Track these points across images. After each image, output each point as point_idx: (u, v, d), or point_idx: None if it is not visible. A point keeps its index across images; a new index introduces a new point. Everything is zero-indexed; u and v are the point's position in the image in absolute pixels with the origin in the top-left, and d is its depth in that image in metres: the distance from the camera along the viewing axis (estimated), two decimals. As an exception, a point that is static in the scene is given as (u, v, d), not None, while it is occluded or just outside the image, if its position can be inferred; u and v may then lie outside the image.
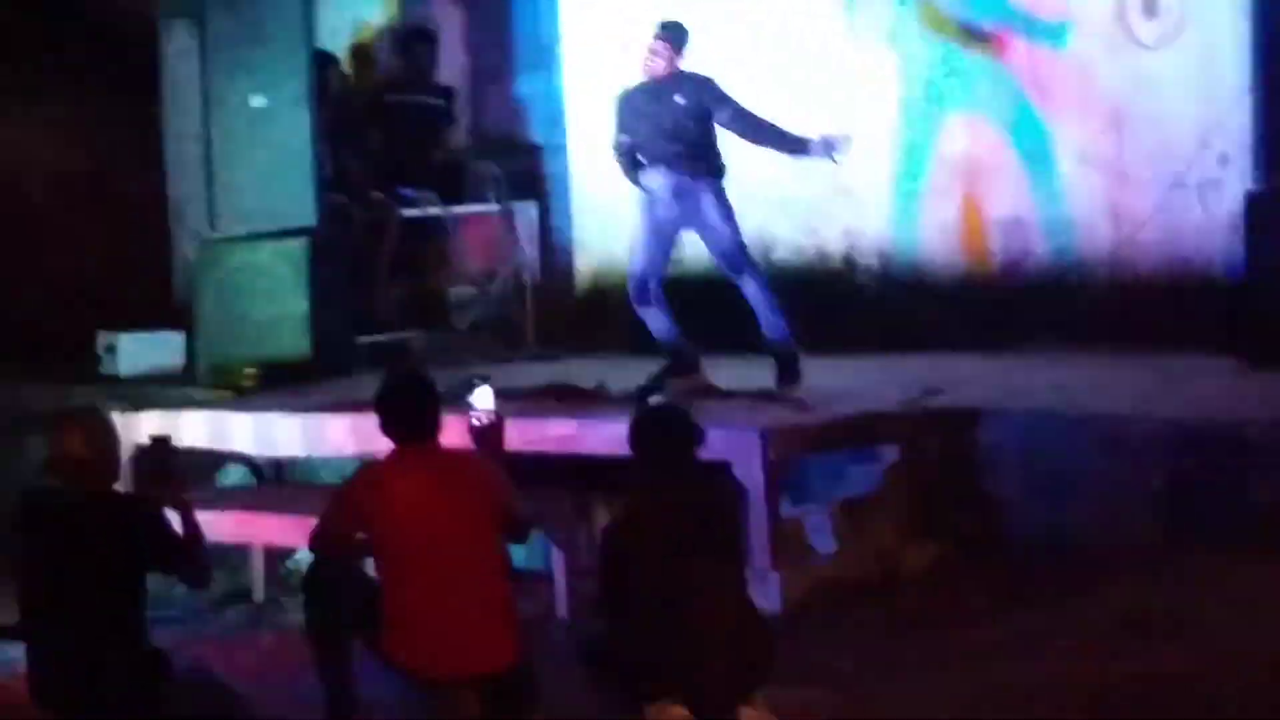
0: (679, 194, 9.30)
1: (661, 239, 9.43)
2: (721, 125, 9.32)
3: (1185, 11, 10.18)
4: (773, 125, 9.34)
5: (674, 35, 9.46)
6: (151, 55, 13.26)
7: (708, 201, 9.28)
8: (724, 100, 9.32)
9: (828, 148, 9.25)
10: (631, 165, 9.44)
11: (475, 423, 7.13)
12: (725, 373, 9.42)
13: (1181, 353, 9.67)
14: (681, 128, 9.30)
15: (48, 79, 13.26)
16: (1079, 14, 10.45)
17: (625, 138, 9.45)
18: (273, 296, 10.78)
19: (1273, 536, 7.68)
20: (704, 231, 9.38)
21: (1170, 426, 8.24)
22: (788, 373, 9.26)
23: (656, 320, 9.45)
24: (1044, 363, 9.86)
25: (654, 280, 9.43)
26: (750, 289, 9.30)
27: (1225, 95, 9.97)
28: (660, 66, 9.39)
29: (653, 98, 9.38)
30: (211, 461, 10.01)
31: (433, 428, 6.90)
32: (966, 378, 9.42)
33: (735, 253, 9.31)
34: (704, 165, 9.32)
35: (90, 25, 13.17)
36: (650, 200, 9.39)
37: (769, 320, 9.29)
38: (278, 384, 10.42)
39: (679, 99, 9.31)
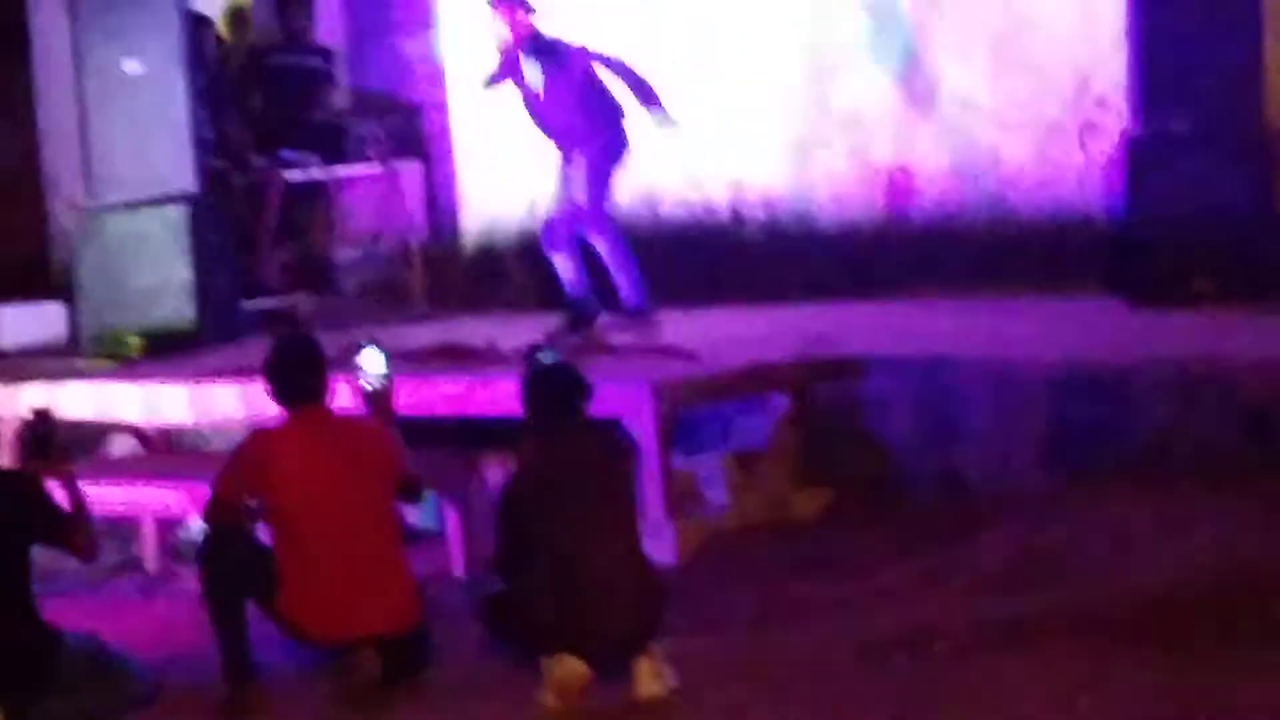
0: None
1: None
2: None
3: (1061, -45, 10.26)
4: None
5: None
6: (19, 19, 13.07)
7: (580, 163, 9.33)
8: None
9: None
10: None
11: (365, 385, 7.10)
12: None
13: (1064, 295, 9.76)
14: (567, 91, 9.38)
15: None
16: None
17: None
18: (155, 264, 10.66)
19: (1151, 471, 7.78)
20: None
21: (1054, 368, 8.31)
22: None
23: (562, 266, 9.43)
24: (930, 309, 9.92)
25: (562, 225, 9.43)
26: (602, 248, 9.39)
27: (1103, 38, 10.04)
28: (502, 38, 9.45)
29: (516, 61, 9.45)
30: (98, 432, 9.90)
31: (322, 391, 6.89)
32: (855, 326, 9.46)
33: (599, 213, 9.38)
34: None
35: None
36: None
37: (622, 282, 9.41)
38: (163, 352, 10.31)
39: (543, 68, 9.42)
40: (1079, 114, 10.22)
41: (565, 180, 9.55)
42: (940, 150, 10.62)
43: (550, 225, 9.59)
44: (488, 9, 9.53)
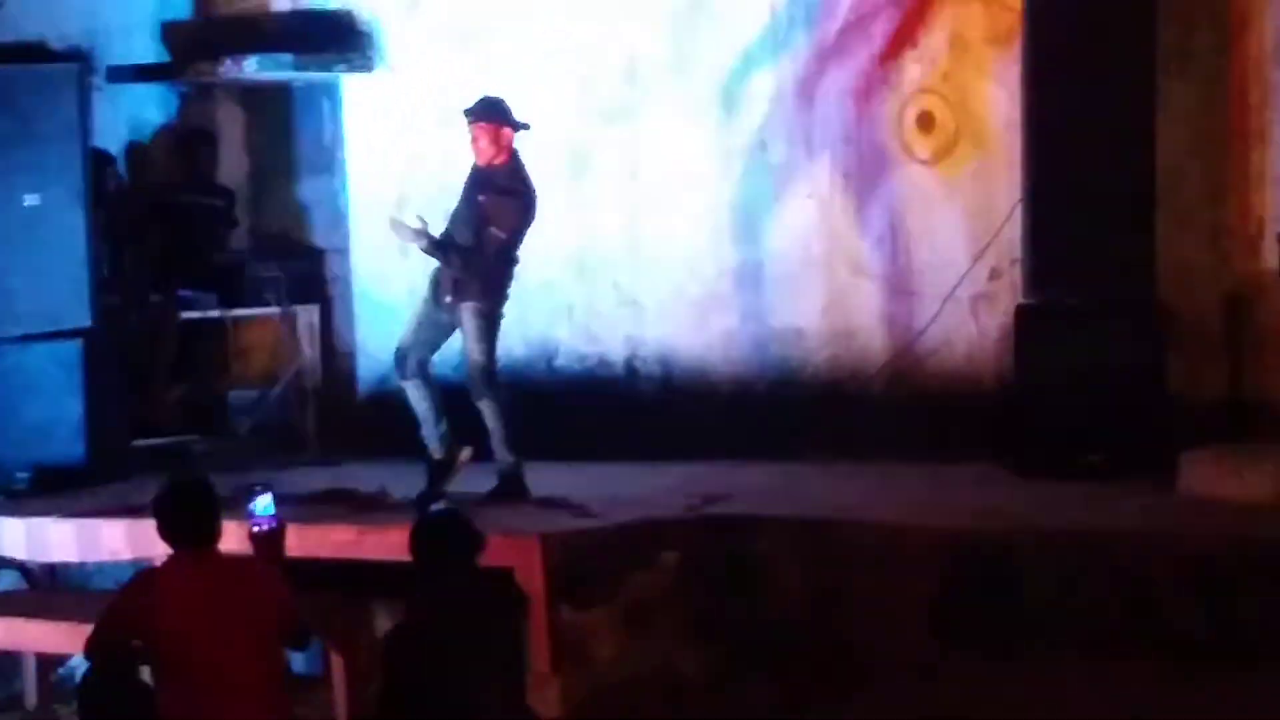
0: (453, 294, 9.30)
1: (430, 324, 9.39)
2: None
3: (959, 127, 10.44)
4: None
5: (483, 113, 9.34)
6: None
7: (468, 315, 9.25)
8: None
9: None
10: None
11: (255, 529, 7.07)
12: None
13: (955, 462, 9.84)
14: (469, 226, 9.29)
15: None
16: (856, 129, 10.65)
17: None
18: (46, 399, 10.57)
19: (1035, 641, 7.83)
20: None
21: (942, 535, 8.38)
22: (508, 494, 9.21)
23: (415, 395, 9.38)
24: (822, 471, 9.98)
25: (414, 355, 9.39)
26: (487, 416, 9.24)
27: (997, 210, 10.21)
28: (481, 154, 9.30)
29: (470, 184, 9.35)
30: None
31: (212, 534, 6.84)
32: (746, 486, 9.50)
33: (483, 377, 9.26)
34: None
35: None
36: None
37: (500, 452, 9.25)
38: (51, 488, 10.21)
39: (482, 197, 9.30)
40: (972, 284, 10.36)
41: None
42: (833, 314, 10.73)
43: (396, 351, 9.55)
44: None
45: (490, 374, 9.25)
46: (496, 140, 9.29)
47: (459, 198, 9.43)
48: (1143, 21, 9.62)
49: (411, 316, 9.52)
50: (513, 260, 9.37)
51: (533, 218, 9.39)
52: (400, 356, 9.41)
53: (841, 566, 8.48)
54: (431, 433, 9.34)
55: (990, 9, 10.29)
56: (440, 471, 9.29)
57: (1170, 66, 9.72)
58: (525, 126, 9.41)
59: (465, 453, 9.30)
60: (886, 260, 10.61)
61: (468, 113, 9.38)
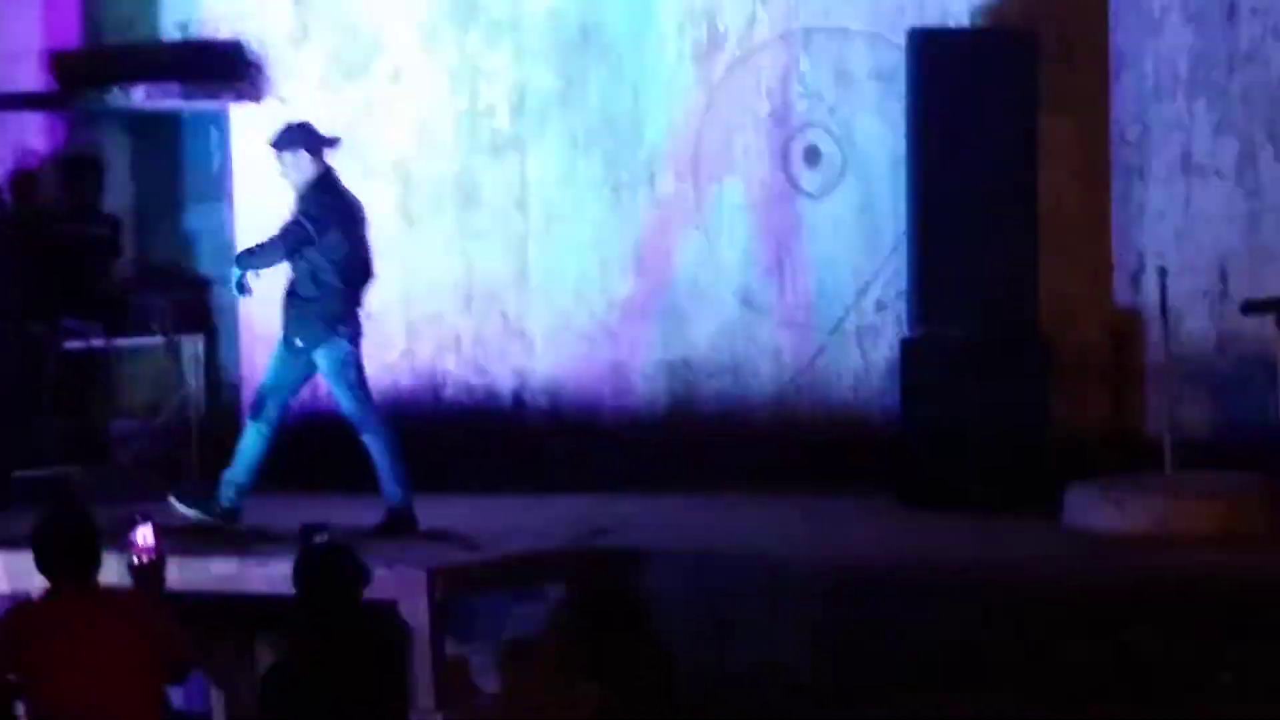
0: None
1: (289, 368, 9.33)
2: None
3: (845, 161, 10.50)
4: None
5: (281, 143, 9.25)
6: None
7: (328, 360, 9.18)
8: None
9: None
10: None
11: (136, 561, 6.99)
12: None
13: (842, 495, 9.87)
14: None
15: None
16: (744, 162, 10.70)
17: None
18: (-77, 429, 10.45)
19: (925, 675, 7.86)
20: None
21: (830, 567, 8.40)
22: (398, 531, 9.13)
23: (249, 438, 9.32)
24: (709, 504, 9.99)
25: (272, 401, 9.33)
26: (374, 450, 9.18)
27: (882, 244, 10.28)
28: (293, 183, 9.21)
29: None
30: None
31: (91, 566, 6.75)
32: (633, 518, 9.50)
33: (359, 414, 9.20)
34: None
35: None
36: None
37: (387, 487, 9.18)
38: (-73, 519, 10.07)
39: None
40: (858, 317, 10.42)
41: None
42: (721, 347, 10.76)
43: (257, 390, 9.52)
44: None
45: (368, 409, 9.18)
46: (298, 167, 9.20)
47: None
48: (1025, 57, 9.75)
49: (273, 357, 9.45)
50: (350, 284, 9.22)
51: (339, 236, 9.18)
52: (259, 397, 9.36)
53: (728, 599, 8.48)
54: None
55: (875, 44, 10.37)
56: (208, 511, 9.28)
57: (1052, 102, 9.83)
58: (329, 143, 9.28)
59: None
60: (774, 292, 10.65)
61: (269, 142, 9.32)
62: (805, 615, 8.29)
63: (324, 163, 9.23)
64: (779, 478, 10.22)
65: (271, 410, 9.27)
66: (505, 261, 11.20)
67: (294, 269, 9.21)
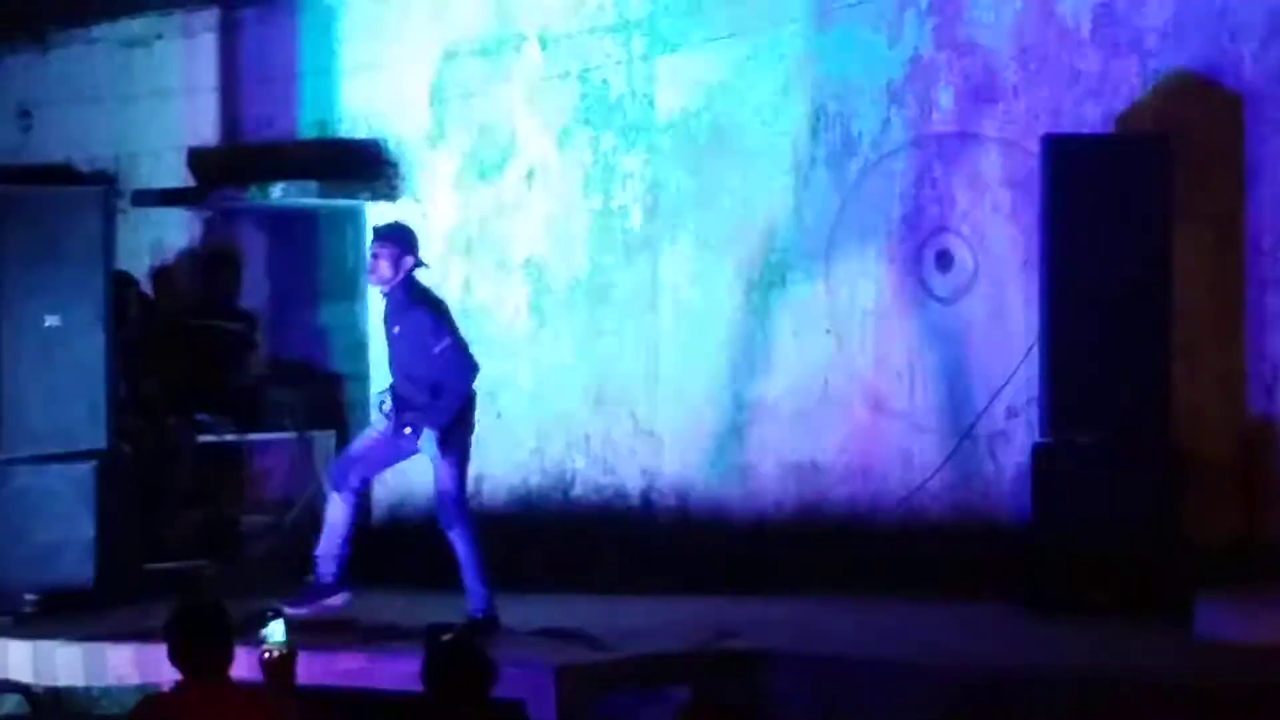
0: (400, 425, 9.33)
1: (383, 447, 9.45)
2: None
3: (977, 266, 10.48)
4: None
5: (390, 239, 9.39)
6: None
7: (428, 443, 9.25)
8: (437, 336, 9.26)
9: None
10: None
11: (267, 656, 7.03)
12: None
13: (970, 600, 9.80)
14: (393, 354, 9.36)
15: None
16: (876, 266, 10.70)
17: None
18: (57, 520, 10.56)
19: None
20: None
21: (957, 673, 8.32)
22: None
23: (335, 510, 9.40)
24: (836, 607, 9.93)
25: (355, 473, 9.41)
26: (459, 547, 9.23)
27: (1013, 349, 10.23)
28: (379, 279, 9.34)
29: (389, 313, 9.39)
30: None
31: (223, 660, 6.79)
32: (761, 621, 9.46)
33: (449, 504, 9.26)
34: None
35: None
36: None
37: (471, 586, 9.20)
38: (59, 610, 10.18)
39: (397, 329, 9.34)
40: (989, 422, 10.37)
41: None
42: (851, 450, 10.73)
43: (341, 461, 9.64)
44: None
45: (461, 500, 9.27)
46: (397, 265, 9.31)
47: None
48: (1158, 164, 9.71)
49: (368, 430, 9.52)
50: (466, 374, 9.30)
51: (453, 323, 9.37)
52: (344, 468, 9.43)
53: (854, 704, 8.42)
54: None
55: (1008, 150, 10.36)
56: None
57: (1185, 209, 9.77)
58: (425, 265, 9.46)
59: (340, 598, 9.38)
60: (904, 397, 10.62)
61: (374, 230, 9.48)
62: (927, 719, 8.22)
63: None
64: (907, 582, 10.15)
65: (353, 480, 9.42)
66: (636, 361, 11.25)
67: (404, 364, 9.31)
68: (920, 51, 10.57)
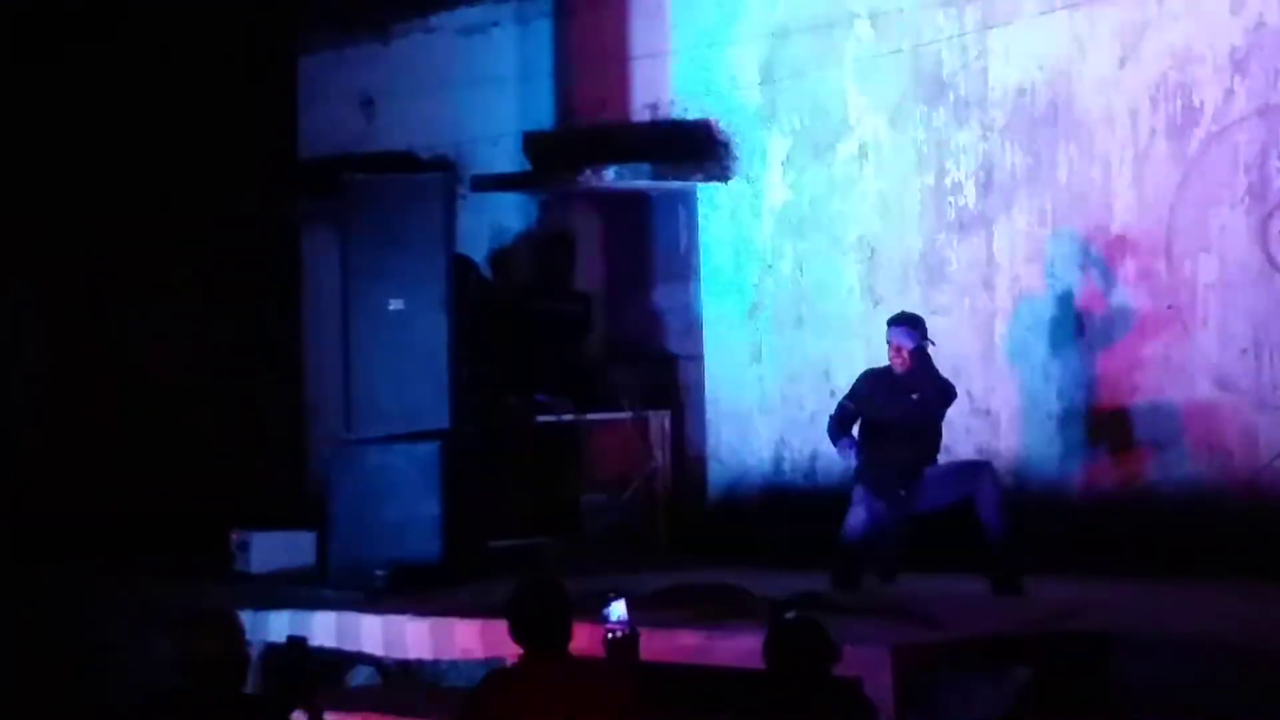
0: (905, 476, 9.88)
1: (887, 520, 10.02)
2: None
3: (1326, 238, 10.18)
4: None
5: (911, 329, 9.95)
6: (294, 259, 13.52)
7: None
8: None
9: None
10: (838, 428, 9.99)
11: (610, 635, 7.11)
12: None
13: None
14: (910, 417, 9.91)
15: (189, 277, 13.52)
16: (1219, 240, 10.44)
17: (850, 404, 10.04)
18: (405, 499, 10.81)
19: None
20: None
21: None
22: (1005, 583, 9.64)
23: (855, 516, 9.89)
24: (1180, 589, 9.72)
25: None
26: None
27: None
28: (903, 364, 9.93)
29: (890, 387, 9.95)
30: (340, 662, 10.01)
31: (564, 636, 6.88)
32: (1101, 602, 9.30)
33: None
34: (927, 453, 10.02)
35: (233, 227, 13.45)
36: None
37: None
38: (407, 586, 10.43)
39: (915, 395, 9.90)
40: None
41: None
42: (1193, 428, 10.49)
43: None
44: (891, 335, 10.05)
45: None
46: (922, 349, 9.94)
47: (871, 405, 10.00)
48: None
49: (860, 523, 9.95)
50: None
51: None
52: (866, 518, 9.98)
53: (1198, 688, 8.23)
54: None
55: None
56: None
57: None
58: (933, 343, 9.99)
59: None
60: (1250, 374, 10.34)
61: (894, 322, 10.01)
62: (1275, 708, 7.99)
63: None
64: (1251, 564, 9.89)
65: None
66: (971, 339, 11.13)
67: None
68: (1265, 18, 10.27)
